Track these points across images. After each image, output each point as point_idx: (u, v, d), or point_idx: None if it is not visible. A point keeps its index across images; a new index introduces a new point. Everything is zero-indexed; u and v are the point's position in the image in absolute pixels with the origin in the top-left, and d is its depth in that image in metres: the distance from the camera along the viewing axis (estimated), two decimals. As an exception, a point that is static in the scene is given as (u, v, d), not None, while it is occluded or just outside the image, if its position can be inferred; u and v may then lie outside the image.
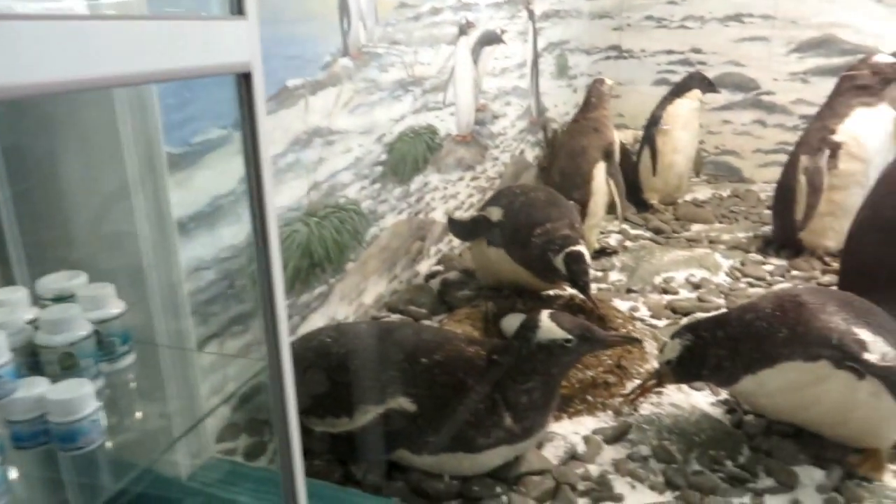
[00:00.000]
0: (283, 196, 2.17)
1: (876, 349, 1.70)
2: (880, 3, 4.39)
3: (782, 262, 3.33)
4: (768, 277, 3.18)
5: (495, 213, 2.65)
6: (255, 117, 1.23)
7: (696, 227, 3.95)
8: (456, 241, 3.39)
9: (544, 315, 1.72)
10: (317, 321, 2.39)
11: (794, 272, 3.23)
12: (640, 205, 4.25)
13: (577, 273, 2.34)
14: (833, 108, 3.29)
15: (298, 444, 1.33)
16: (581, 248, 2.37)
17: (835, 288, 2.78)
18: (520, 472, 1.83)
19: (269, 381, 1.28)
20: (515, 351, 1.73)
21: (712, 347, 1.82)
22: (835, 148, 3.19)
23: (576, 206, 2.80)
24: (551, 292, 2.77)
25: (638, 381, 2.11)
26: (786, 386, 1.76)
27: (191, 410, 1.87)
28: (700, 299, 2.92)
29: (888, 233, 2.47)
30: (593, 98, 3.62)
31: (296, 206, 2.23)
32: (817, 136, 3.27)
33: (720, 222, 4.06)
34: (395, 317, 2.76)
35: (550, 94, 4.59)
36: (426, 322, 2.71)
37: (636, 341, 1.93)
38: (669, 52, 5.06)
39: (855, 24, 4.47)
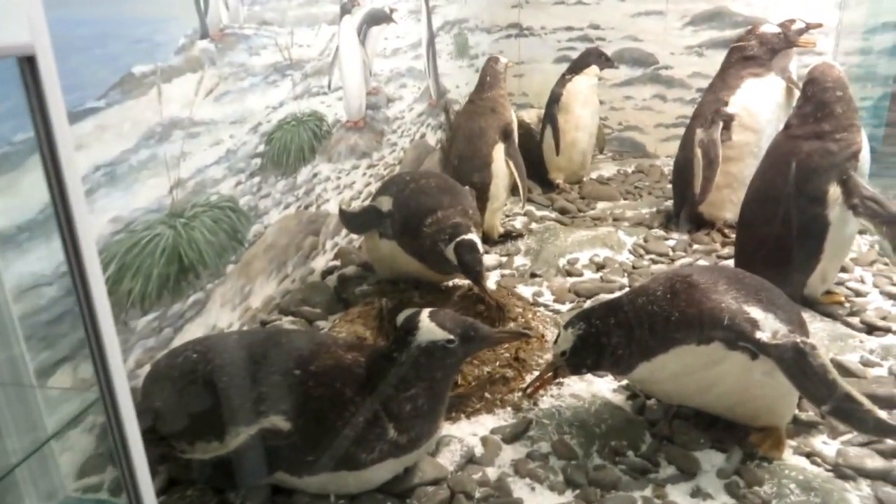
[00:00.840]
0: (139, 197, 1.94)
1: (767, 327, 1.65)
2: (767, -25, 4.45)
3: (684, 237, 3.32)
4: (671, 253, 3.16)
5: (385, 203, 2.49)
6: (46, 108, 1.04)
7: (601, 205, 3.92)
8: (354, 235, 3.21)
9: (424, 315, 1.59)
10: (194, 332, 2.18)
11: (696, 246, 3.22)
12: (546, 184, 4.18)
13: (469, 263, 2.21)
14: (724, 80, 3.29)
15: (147, 477, 1.16)
16: (472, 236, 2.24)
17: (731, 261, 2.78)
18: (412, 483, 1.69)
19: (105, 412, 1.12)
20: (395, 356, 1.58)
21: (606, 336, 1.73)
22: (728, 120, 3.19)
23: (472, 190, 2.67)
24: (450, 283, 2.64)
25: (537, 374, 2.00)
26: (681, 370, 1.70)
27: (31, 448, 1.65)
28: (603, 280, 2.86)
29: (777, 203, 2.47)
30: (488, 77, 3.50)
31: (156, 208, 2.00)
32: (710, 108, 3.26)
33: (625, 199, 4.04)
34: (286, 319, 2.57)
35: (451, 75, 4.45)
36: (321, 323, 2.54)
37: (525, 336, 1.82)
38: (569, 28, 5.00)
39: (746, -3, 4.53)
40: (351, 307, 2.54)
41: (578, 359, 1.77)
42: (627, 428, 1.90)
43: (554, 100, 4.06)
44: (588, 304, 2.61)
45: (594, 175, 4.45)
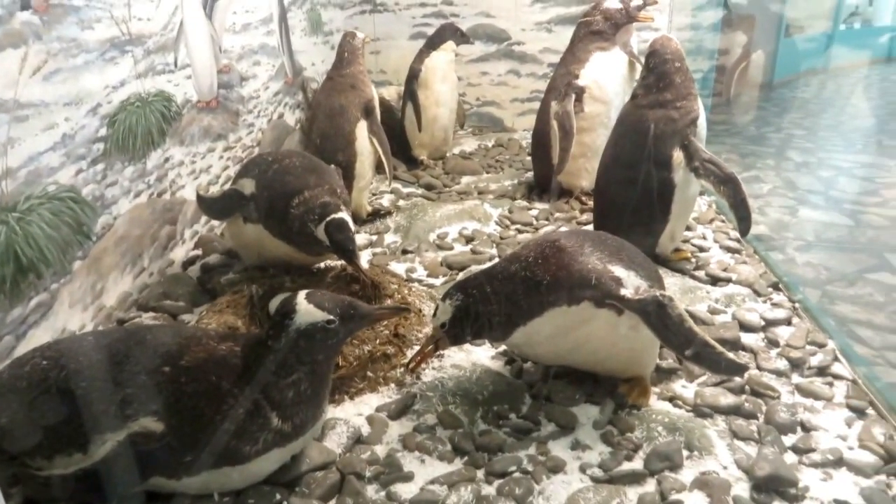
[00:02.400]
0: (-40, 191, 1.71)
1: (630, 284, 1.75)
2: (606, -46, 4.69)
3: (545, 206, 3.46)
4: (534, 222, 3.28)
5: (248, 186, 2.38)
6: None
7: (465, 180, 3.99)
8: (215, 221, 3.04)
9: (300, 297, 1.53)
10: (40, 337, 1.97)
11: (557, 214, 3.37)
12: (411, 162, 4.19)
13: (341, 242, 2.16)
14: (574, 54, 3.44)
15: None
16: (343, 214, 2.19)
17: (591, 227, 2.93)
18: (300, 471, 1.64)
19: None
20: (273, 342, 1.52)
21: (483, 304, 1.76)
22: (579, 92, 3.34)
23: (338, 169, 2.61)
24: (322, 265, 2.58)
25: (418, 348, 2.01)
26: (555, 331, 1.77)
27: None
28: (473, 251, 2.92)
29: (628, 170, 2.63)
30: (346, 53, 3.43)
31: (-18, 202, 1.78)
32: (563, 81, 3.40)
33: (487, 172, 4.14)
34: (147, 316, 2.39)
35: (307, 52, 4.31)
36: (186, 316, 2.39)
37: (404, 311, 1.82)
38: (423, 4, 5.01)
39: (587, -26, 4.74)
40: (218, 297, 2.41)
41: (458, 329, 1.79)
42: (508, 392, 1.96)
43: (413, 76, 4.05)
44: (461, 276, 2.65)
45: (457, 150, 4.52)
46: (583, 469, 1.67)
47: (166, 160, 2.69)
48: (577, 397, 1.91)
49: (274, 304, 2.25)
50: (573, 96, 3.34)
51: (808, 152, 5.03)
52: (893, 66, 7.76)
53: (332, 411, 1.88)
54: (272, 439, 1.53)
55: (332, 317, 1.52)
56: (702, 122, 2.60)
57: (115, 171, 2.34)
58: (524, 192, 3.66)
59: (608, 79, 3.35)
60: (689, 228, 3.09)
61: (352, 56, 3.42)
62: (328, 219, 2.17)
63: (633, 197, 2.65)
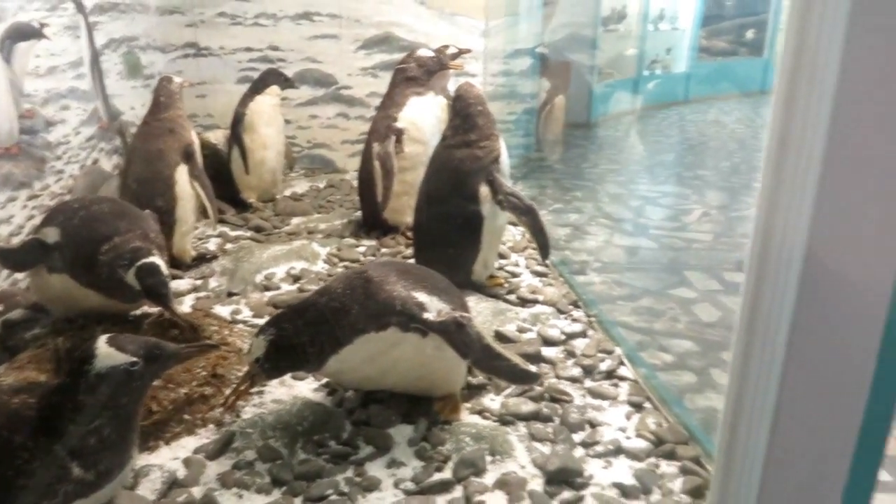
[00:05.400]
0: None
1: (432, 308, 1.91)
2: (424, 6, 5.01)
3: (373, 243, 3.59)
4: (362, 258, 3.39)
5: (52, 235, 2.28)
6: None
7: (295, 221, 4.03)
8: (19, 274, 2.85)
9: (101, 341, 1.52)
10: None
11: (384, 249, 3.51)
12: (240, 204, 4.17)
13: (152, 286, 2.14)
14: (392, 99, 3.65)
15: None
16: (155, 258, 2.17)
17: (412, 260, 3.10)
18: (108, 522, 1.60)
19: None
20: (72, 389, 1.49)
21: (295, 337, 1.83)
22: (399, 134, 3.54)
23: (154, 214, 2.57)
24: (138, 312, 2.52)
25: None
26: (366, 357, 1.88)
27: None
28: (301, 290, 2.98)
29: (441, 205, 2.83)
30: (162, 98, 3.39)
31: None
32: (383, 124, 3.59)
33: (318, 213, 4.21)
34: (-65, 380, 2.20)
35: (125, 96, 4.17)
36: (-17, 377, 2.22)
37: (213, 348, 1.85)
38: (248, 49, 5.04)
39: (408, 24, 5.03)
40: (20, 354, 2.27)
41: (272, 363, 1.85)
42: (329, 421, 2.03)
43: (238, 119, 4.07)
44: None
45: (288, 192, 4.56)
46: (396, 484, 1.78)
47: (-43, 211, 2.51)
48: (393, 419, 2.02)
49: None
50: (393, 138, 3.53)
51: (621, 185, 5.60)
52: (689, 108, 8.89)
53: (146, 458, 1.85)
54: (73, 490, 1.49)
55: (134, 359, 1.52)
56: (504, 159, 2.86)
57: None
58: (353, 230, 3.78)
59: (425, 121, 3.58)
60: (503, 256, 3.36)
61: (168, 100, 3.39)
62: (139, 263, 2.15)
63: (447, 230, 2.85)
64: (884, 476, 2.12)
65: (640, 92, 8.88)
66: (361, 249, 3.51)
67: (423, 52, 3.68)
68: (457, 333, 1.87)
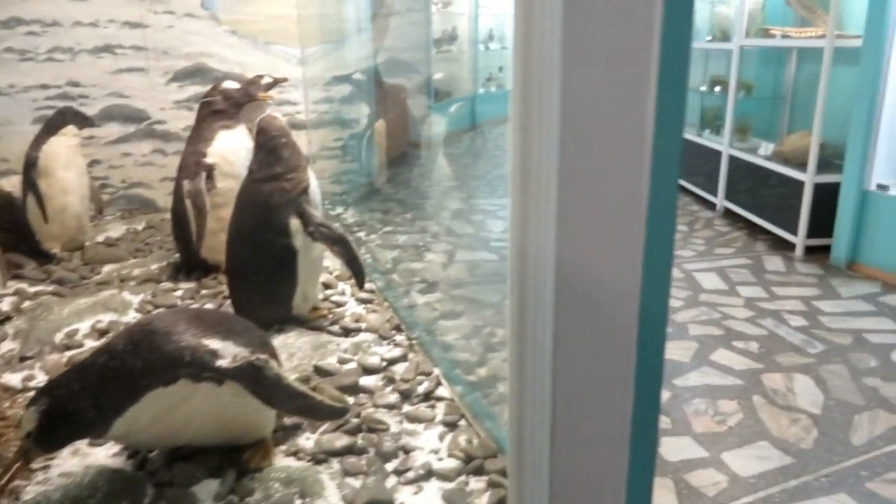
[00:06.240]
0: None
1: (227, 353, 1.83)
2: (236, 36, 4.89)
3: (192, 285, 3.42)
4: (179, 303, 3.22)
5: None
6: None
7: (107, 268, 3.75)
8: None
9: None
10: None
11: (204, 291, 3.35)
12: (42, 256, 3.81)
13: None
14: (200, 134, 3.51)
15: None
16: None
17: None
18: None
19: None
20: None
21: (73, 403, 1.69)
22: (209, 170, 3.41)
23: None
24: None
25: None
26: (158, 415, 1.76)
27: None
28: (106, 345, 2.76)
29: (251, 242, 2.76)
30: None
31: None
32: (192, 160, 3.44)
33: (135, 257, 3.95)
34: None
35: None
36: None
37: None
38: (44, 86, 4.65)
39: (220, 54, 4.89)
40: None
41: (47, 436, 1.68)
42: (126, 488, 1.88)
43: (30, 164, 3.73)
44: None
45: (101, 238, 4.24)
46: (198, 546, 1.68)
47: None
48: (198, 475, 1.91)
49: None
50: (203, 174, 3.39)
51: (460, 201, 5.74)
52: (523, 122, 9.33)
53: None
54: None
55: None
56: (313, 190, 2.84)
57: None
58: (171, 274, 3.58)
59: (236, 154, 3.47)
60: (329, 286, 3.33)
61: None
62: None
63: (260, 266, 2.77)
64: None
65: (477, 109, 9.23)
66: (179, 293, 3.32)
67: (229, 85, 3.57)
68: (253, 377, 1.80)
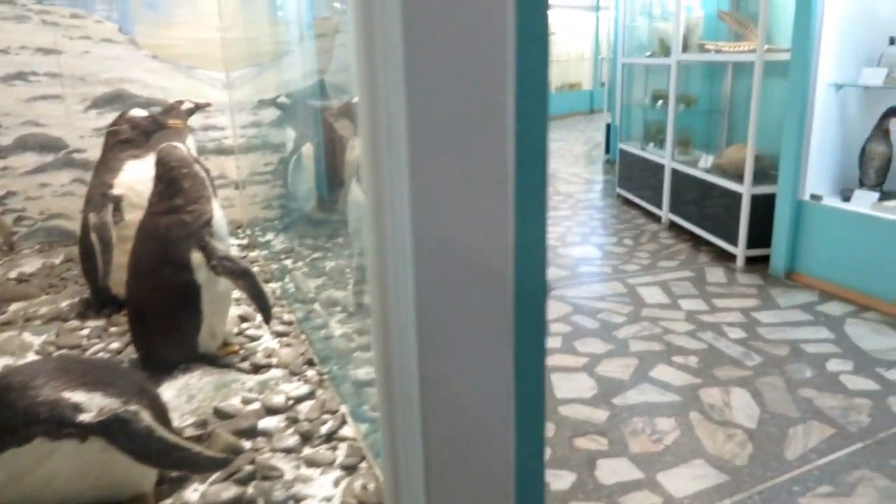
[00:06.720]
0: None
1: (92, 406, 1.70)
2: (157, 60, 4.76)
3: (100, 323, 3.26)
4: (84, 343, 3.05)
5: None
6: None
7: (14, 307, 3.56)
8: None
9: None
10: None
11: (113, 329, 3.19)
12: (-58, 297, 3.61)
13: None
14: (107, 164, 3.36)
15: None
16: None
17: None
18: None
19: None
20: None
21: (-89, 470, 1.54)
22: (116, 201, 3.27)
23: None
24: None
25: None
26: (11, 478, 1.63)
27: None
28: None
29: (151, 277, 2.62)
30: None
31: None
32: (98, 192, 3.29)
33: (47, 293, 3.76)
34: None
35: None
36: None
37: None
38: (-49, 116, 4.45)
39: (142, 79, 4.74)
40: None
41: None
42: (-14, 556, 1.73)
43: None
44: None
45: (13, 273, 4.04)
46: None
47: None
48: (66, 539, 1.77)
49: None
50: (110, 206, 3.25)
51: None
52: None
53: None
54: None
55: None
56: (218, 221, 2.72)
57: None
58: (80, 311, 3.41)
59: (144, 185, 3.32)
60: (246, 319, 3.20)
61: None
62: None
63: (161, 303, 2.64)
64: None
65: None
66: (85, 332, 3.16)
67: (137, 113, 3.44)
68: (120, 431, 1.68)
